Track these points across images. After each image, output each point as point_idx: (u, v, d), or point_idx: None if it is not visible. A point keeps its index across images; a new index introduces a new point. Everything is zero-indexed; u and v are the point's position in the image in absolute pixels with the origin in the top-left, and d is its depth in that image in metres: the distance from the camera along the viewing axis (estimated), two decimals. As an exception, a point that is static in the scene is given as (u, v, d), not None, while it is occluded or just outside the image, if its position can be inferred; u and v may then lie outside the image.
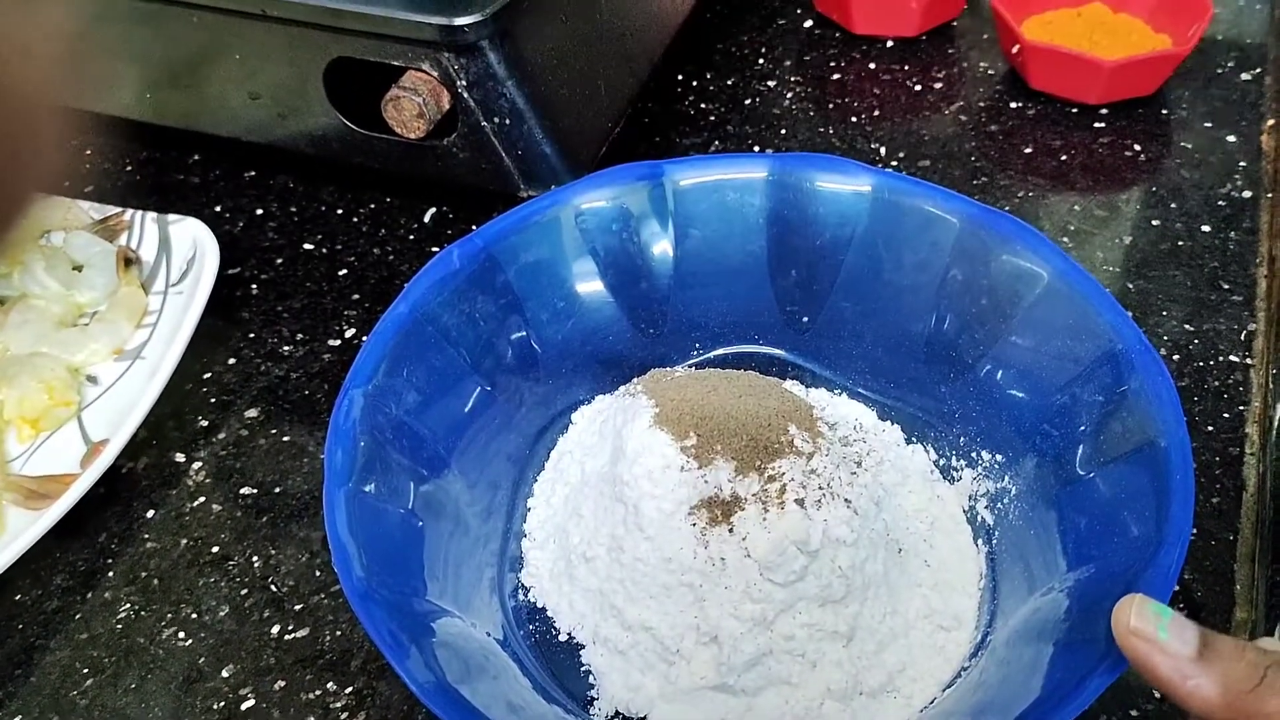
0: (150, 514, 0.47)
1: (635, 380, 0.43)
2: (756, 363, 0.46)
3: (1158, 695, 0.38)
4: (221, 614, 0.44)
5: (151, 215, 0.56)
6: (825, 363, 0.46)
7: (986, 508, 0.42)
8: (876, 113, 0.63)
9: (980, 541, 0.42)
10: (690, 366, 0.47)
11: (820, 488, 0.37)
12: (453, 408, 0.41)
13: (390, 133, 0.50)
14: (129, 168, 0.63)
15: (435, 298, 0.41)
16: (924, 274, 0.40)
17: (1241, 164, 0.57)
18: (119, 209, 0.56)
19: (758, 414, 0.39)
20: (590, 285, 0.45)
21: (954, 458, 0.44)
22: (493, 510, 0.42)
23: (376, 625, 0.33)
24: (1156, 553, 0.33)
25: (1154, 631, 0.29)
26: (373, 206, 0.60)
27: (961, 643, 0.39)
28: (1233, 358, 0.49)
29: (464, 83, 0.49)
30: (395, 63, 0.49)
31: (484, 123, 0.50)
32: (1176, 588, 0.41)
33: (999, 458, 0.42)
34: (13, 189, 0.22)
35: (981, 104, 0.63)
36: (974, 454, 0.43)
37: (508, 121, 0.50)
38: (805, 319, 0.46)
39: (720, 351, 0.47)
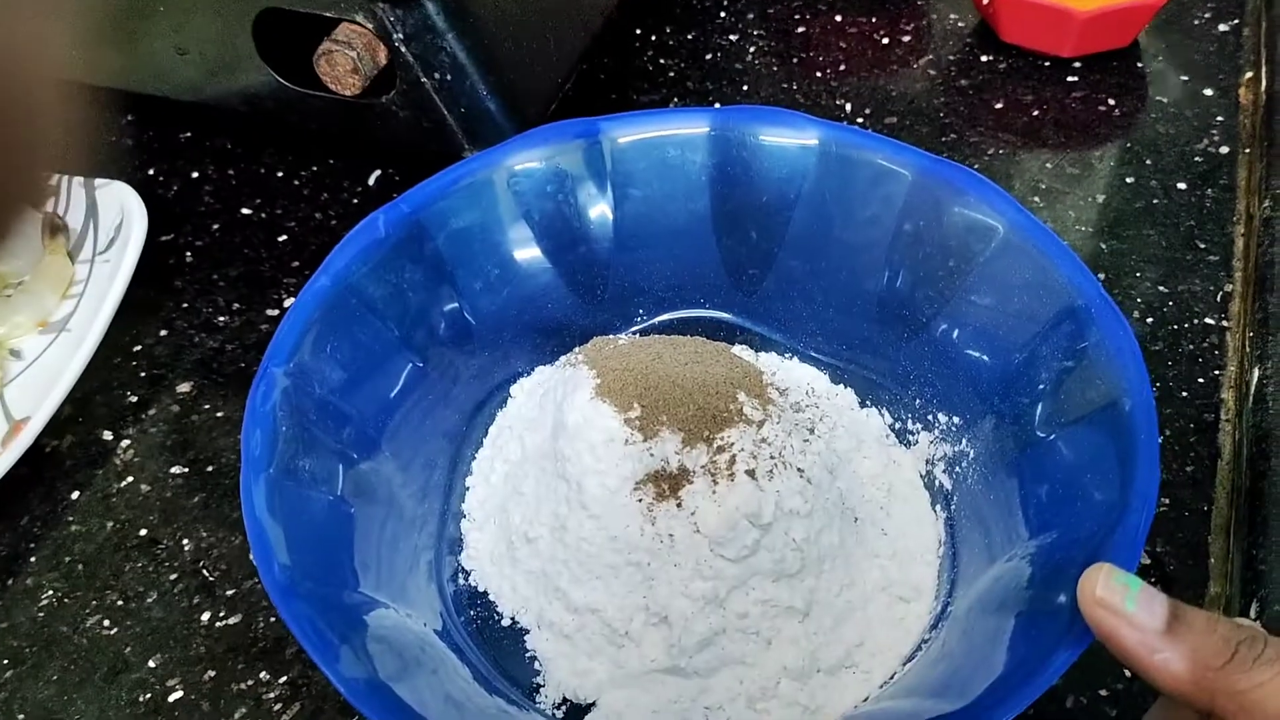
0: (75, 495, 0.45)
1: (576, 350, 0.41)
2: (703, 327, 0.44)
3: (1128, 675, 0.37)
4: (149, 601, 0.42)
5: (78, 179, 0.53)
6: (775, 326, 0.44)
7: (944, 472, 0.40)
8: (842, 67, 0.60)
9: (938, 507, 0.40)
10: (634, 334, 0.45)
11: (772, 457, 0.36)
12: (382, 385, 0.39)
13: (325, 90, 0.48)
14: (81, 132, 0.60)
15: (359, 268, 0.38)
16: (875, 229, 0.38)
17: (1219, 118, 0.55)
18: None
19: (705, 382, 0.37)
20: (526, 251, 0.42)
21: (910, 421, 0.42)
22: (428, 491, 0.40)
23: (300, 622, 0.31)
24: (1122, 517, 0.31)
25: (1120, 603, 0.28)
26: (314, 169, 0.57)
27: (921, 614, 0.38)
28: (1208, 320, 0.47)
29: (401, 35, 0.46)
30: (327, 14, 0.46)
31: (424, 79, 0.47)
32: (1148, 561, 0.40)
33: (956, 420, 0.40)
34: (23, 165, 0.22)
35: (951, 58, 0.61)
36: (930, 416, 0.41)
37: (449, 77, 0.47)
38: (753, 280, 0.44)
39: (665, 317, 0.45)
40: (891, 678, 0.36)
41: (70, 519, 0.44)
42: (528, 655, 0.37)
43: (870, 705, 0.35)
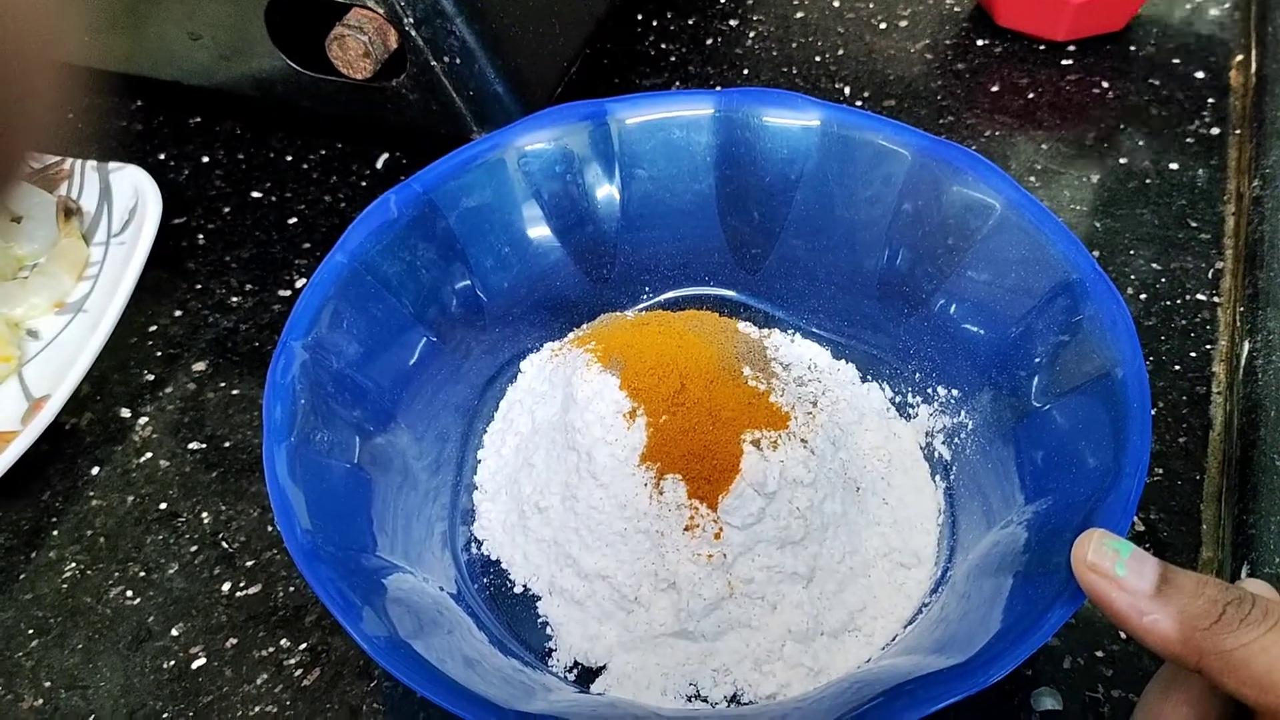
0: (95, 471, 0.46)
1: (584, 325, 0.42)
2: (708, 305, 0.45)
3: (1123, 637, 0.38)
4: (170, 572, 0.43)
5: (92, 164, 0.54)
6: (778, 303, 0.45)
7: (943, 443, 0.41)
8: (841, 52, 0.61)
9: (938, 477, 0.41)
10: (640, 310, 0.46)
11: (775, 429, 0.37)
12: (397, 359, 0.40)
13: (336, 74, 0.48)
14: (69, 115, 0.61)
15: (373, 246, 0.39)
16: (876, 208, 0.39)
17: (1210, 100, 0.56)
18: (58, 158, 0.54)
19: (710, 356, 0.38)
20: (535, 230, 0.43)
21: (910, 394, 0.43)
22: (442, 463, 0.41)
23: (324, 583, 0.32)
24: (1115, 482, 0.32)
25: (1111, 567, 0.29)
26: (323, 153, 0.58)
27: (921, 579, 0.39)
28: (1200, 296, 0.48)
29: (411, 20, 0.47)
30: None
31: (433, 62, 0.48)
32: (1143, 528, 0.41)
33: (955, 393, 0.41)
34: (6, 145, 0.22)
35: (948, 42, 0.62)
36: (930, 390, 0.42)
37: (458, 61, 0.48)
38: (756, 259, 0.44)
39: (671, 294, 0.46)
40: (893, 640, 0.37)
41: (91, 494, 0.45)
42: (540, 621, 0.38)
43: (872, 665, 0.36)
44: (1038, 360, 0.38)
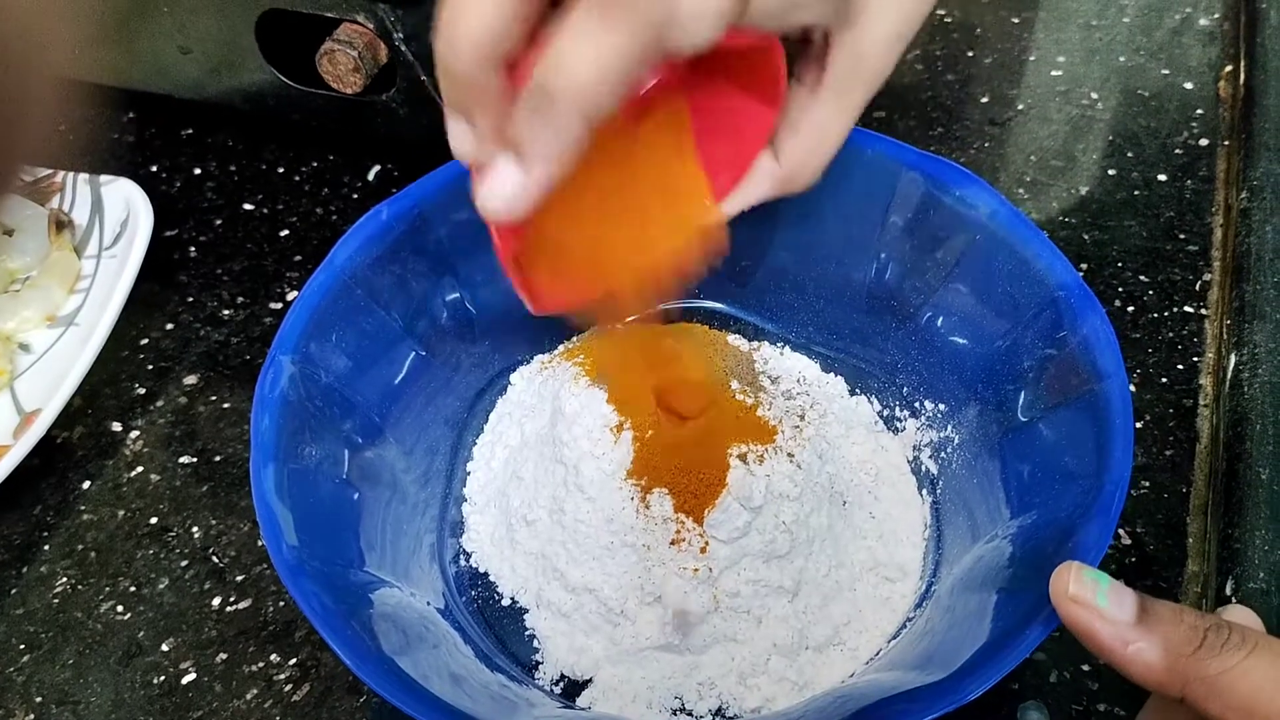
0: (86, 485, 0.46)
1: (574, 338, 0.42)
2: (698, 317, 0.46)
3: (1106, 649, 0.38)
4: (161, 586, 0.43)
5: (84, 176, 0.54)
6: (767, 316, 0.45)
7: (930, 457, 0.42)
8: (832, 63, 0.61)
9: (924, 491, 0.41)
10: (629, 323, 0.45)
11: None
12: (386, 373, 0.40)
13: (327, 88, 0.49)
14: (61, 127, 0.61)
15: (364, 260, 0.39)
16: (864, 222, 0.39)
17: (1199, 111, 0.57)
18: (50, 170, 0.55)
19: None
20: (526, 243, 0.43)
21: (897, 408, 0.43)
22: (431, 476, 0.41)
23: (308, 599, 0.32)
24: (1098, 497, 0.32)
25: (1092, 598, 0.29)
26: (315, 165, 0.58)
27: (907, 594, 0.39)
28: (1187, 308, 0.48)
29: (401, 35, 0.47)
30: (329, 14, 0.47)
31: (423, 76, 0.48)
32: (1128, 541, 0.41)
33: (942, 407, 0.41)
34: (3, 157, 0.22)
35: (938, 53, 0.62)
36: (917, 404, 0.42)
37: (448, 75, 0.48)
38: (746, 272, 0.45)
39: (660, 307, 0.45)
40: (877, 654, 0.37)
41: (82, 508, 0.45)
42: (527, 634, 0.39)
43: (856, 680, 0.36)
44: (1024, 375, 0.38)
